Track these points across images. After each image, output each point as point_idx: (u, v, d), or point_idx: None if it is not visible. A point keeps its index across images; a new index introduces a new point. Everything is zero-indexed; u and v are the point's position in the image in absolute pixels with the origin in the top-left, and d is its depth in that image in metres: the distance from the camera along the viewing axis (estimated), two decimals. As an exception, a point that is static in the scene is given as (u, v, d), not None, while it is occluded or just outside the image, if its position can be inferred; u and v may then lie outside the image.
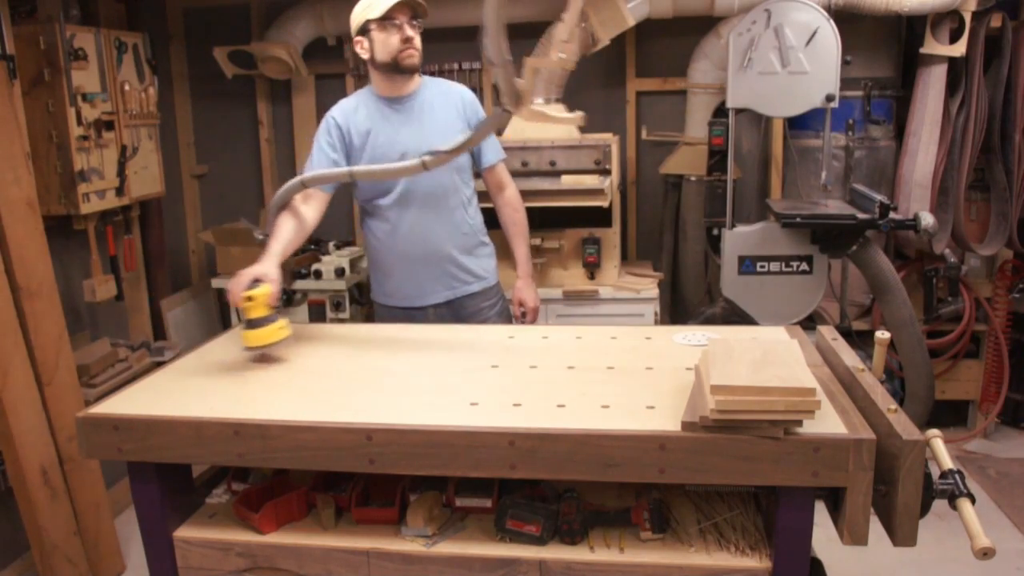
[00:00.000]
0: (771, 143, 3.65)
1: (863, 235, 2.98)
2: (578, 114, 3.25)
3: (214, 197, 4.18)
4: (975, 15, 3.19)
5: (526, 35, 3.37)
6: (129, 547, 2.85)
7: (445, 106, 2.39)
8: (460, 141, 1.82)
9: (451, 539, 1.55)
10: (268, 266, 1.94)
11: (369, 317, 3.45)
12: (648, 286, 3.29)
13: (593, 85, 3.75)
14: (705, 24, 3.44)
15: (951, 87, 3.31)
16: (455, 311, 2.47)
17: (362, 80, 3.83)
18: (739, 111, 3.06)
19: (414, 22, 2.26)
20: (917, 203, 3.32)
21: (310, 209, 2.23)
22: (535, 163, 3.17)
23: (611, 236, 3.30)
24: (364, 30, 2.26)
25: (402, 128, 2.34)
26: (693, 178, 3.57)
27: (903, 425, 1.31)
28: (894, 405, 1.37)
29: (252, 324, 1.82)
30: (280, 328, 1.84)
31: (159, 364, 2.30)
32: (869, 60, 3.38)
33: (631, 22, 3.34)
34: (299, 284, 3.40)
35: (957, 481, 1.32)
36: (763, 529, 1.52)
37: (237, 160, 4.10)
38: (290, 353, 1.87)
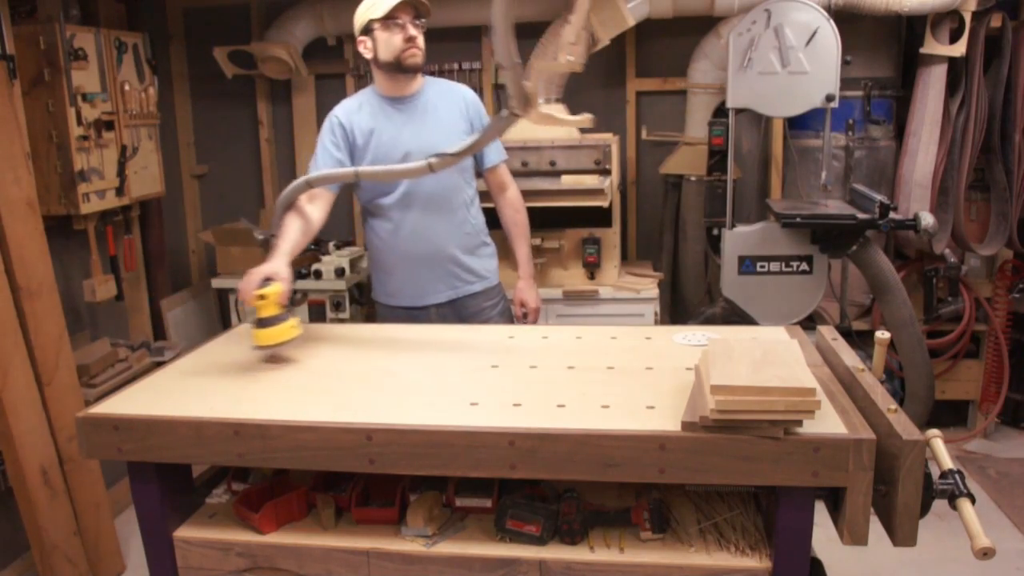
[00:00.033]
0: (771, 143, 3.65)
1: (863, 235, 2.98)
2: (586, 116, 3.24)
3: (214, 197, 4.18)
4: (975, 15, 3.19)
5: (526, 35, 3.36)
6: (129, 547, 2.85)
7: (448, 106, 2.40)
8: (467, 143, 1.82)
9: (451, 539, 1.55)
10: (279, 265, 1.94)
11: (369, 317, 3.45)
12: (648, 286, 3.29)
13: (593, 85, 3.75)
14: (705, 24, 3.44)
15: (951, 87, 3.31)
16: (457, 311, 2.48)
17: (362, 80, 3.83)
18: (739, 111, 3.06)
19: (417, 21, 2.27)
20: (917, 203, 3.32)
21: (316, 209, 2.23)
22: (535, 163, 3.17)
23: (611, 236, 3.30)
24: (367, 30, 2.27)
25: (405, 128, 2.34)
26: (693, 178, 3.57)
27: (903, 425, 1.31)
28: (894, 405, 1.37)
29: (263, 323, 1.80)
30: (291, 327, 1.83)
31: (159, 364, 2.30)
32: (869, 60, 3.38)
33: (631, 22, 3.34)
34: (299, 284, 3.40)
35: (957, 481, 1.32)
36: (763, 529, 1.52)
37: (237, 160, 4.10)
38: (292, 353, 1.87)
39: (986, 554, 1.22)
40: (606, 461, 1.37)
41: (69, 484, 2.62)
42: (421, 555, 1.52)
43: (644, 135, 3.79)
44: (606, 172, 3.14)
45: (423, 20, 2.29)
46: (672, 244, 3.81)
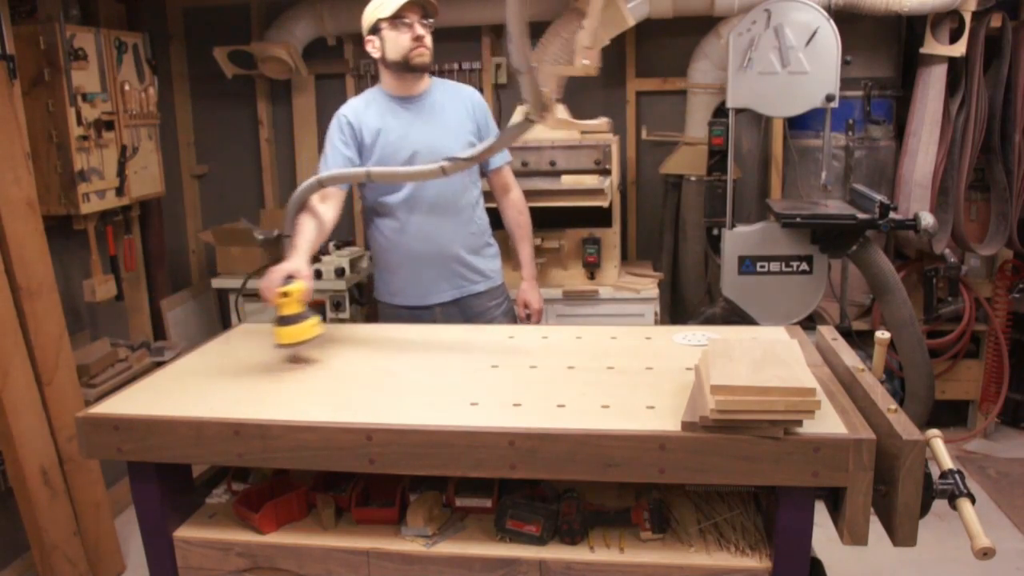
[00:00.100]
0: (771, 143, 3.65)
1: (863, 235, 2.98)
2: (603, 120, 3.23)
3: (214, 197, 4.18)
4: (975, 15, 3.19)
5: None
6: (129, 547, 2.85)
7: (455, 107, 2.41)
8: (481, 148, 1.81)
9: (451, 539, 1.55)
10: (300, 262, 1.93)
11: (369, 317, 3.45)
12: (648, 286, 3.29)
13: (593, 85, 3.75)
14: (705, 24, 3.43)
15: (951, 87, 3.31)
16: (462, 310, 2.48)
17: (362, 80, 3.83)
18: (739, 111, 3.06)
19: (425, 21, 2.28)
20: (917, 203, 3.32)
21: (328, 208, 2.23)
22: (535, 163, 3.17)
23: (611, 236, 3.30)
24: (375, 29, 2.28)
25: (412, 127, 2.34)
26: (693, 178, 3.57)
27: (903, 425, 1.31)
28: (894, 405, 1.37)
29: (285, 321, 1.79)
30: (313, 325, 1.82)
31: (159, 364, 2.31)
32: (869, 60, 3.38)
33: (631, 22, 3.34)
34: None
35: (957, 481, 1.32)
36: (763, 529, 1.52)
37: (237, 160, 4.10)
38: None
39: (986, 554, 1.22)
40: (606, 461, 1.37)
41: (69, 484, 2.62)
42: (421, 555, 1.52)
43: (644, 135, 3.79)
44: (606, 172, 3.14)
45: (431, 20, 2.30)
46: (672, 244, 3.81)
